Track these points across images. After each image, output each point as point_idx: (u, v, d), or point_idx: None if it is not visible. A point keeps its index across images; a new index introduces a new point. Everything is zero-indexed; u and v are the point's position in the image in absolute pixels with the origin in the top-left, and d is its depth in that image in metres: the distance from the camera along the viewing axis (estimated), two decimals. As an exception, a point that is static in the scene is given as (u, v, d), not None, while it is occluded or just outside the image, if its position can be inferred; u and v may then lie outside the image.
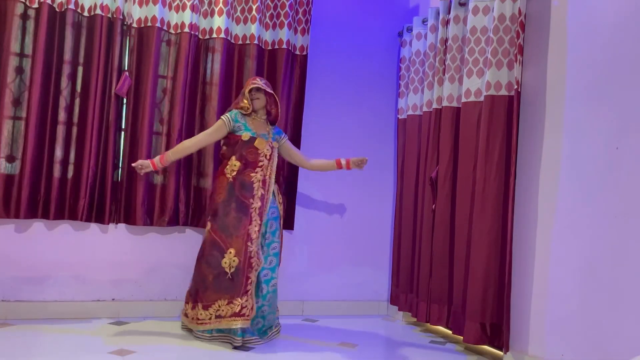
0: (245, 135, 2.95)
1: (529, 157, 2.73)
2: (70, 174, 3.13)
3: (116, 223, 3.26)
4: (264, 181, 2.96)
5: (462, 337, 2.91)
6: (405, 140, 3.68)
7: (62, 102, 3.11)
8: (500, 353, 2.80)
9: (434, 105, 3.30)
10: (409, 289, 3.51)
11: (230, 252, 2.83)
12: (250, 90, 2.99)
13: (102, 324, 3.07)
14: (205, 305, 2.84)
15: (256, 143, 2.96)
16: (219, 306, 2.81)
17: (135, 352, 2.56)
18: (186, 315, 2.97)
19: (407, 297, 3.53)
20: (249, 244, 2.84)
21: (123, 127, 3.27)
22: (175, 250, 3.41)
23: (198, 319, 2.86)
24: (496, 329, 2.78)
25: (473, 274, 2.82)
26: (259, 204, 2.92)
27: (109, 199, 3.18)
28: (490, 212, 2.79)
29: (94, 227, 3.24)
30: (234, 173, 2.94)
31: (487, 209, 2.79)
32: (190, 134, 3.37)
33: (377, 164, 3.92)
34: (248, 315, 2.77)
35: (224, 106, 3.42)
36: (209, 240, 2.91)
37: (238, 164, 2.94)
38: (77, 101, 3.15)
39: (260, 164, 2.96)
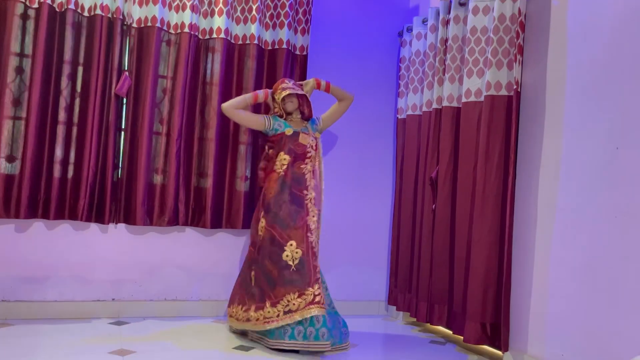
0: (289, 131, 3.04)
1: (529, 157, 2.73)
2: (70, 174, 3.13)
3: (116, 223, 3.27)
4: (314, 171, 3.03)
5: (462, 337, 2.91)
6: (404, 140, 3.68)
7: (62, 102, 3.11)
8: (501, 353, 2.80)
9: (434, 105, 3.30)
10: (408, 289, 3.51)
11: (291, 245, 2.81)
12: (283, 99, 3.07)
13: (102, 324, 3.07)
14: (273, 302, 2.76)
15: (300, 139, 3.03)
16: (289, 300, 2.72)
17: (135, 352, 2.56)
18: (249, 320, 2.85)
19: (405, 297, 3.53)
20: (309, 234, 2.85)
21: (123, 127, 3.27)
22: (175, 250, 3.41)
23: (265, 318, 2.75)
24: (496, 328, 2.78)
25: (473, 274, 2.82)
26: (313, 194, 2.97)
27: (109, 199, 3.18)
28: (491, 212, 2.79)
29: (94, 227, 3.24)
30: (285, 167, 2.99)
31: (487, 209, 2.79)
32: (190, 134, 3.37)
33: (376, 163, 3.92)
34: (322, 303, 2.70)
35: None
36: (266, 236, 2.88)
37: (287, 157, 2.99)
38: (77, 101, 3.15)
39: (309, 154, 3.04)
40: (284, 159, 3.00)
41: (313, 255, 2.81)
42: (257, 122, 3.09)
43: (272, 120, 3.07)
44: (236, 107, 3.06)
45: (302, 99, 3.13)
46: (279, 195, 2.93)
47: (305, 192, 2.96)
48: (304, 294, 2.71)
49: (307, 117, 3.18)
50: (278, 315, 2.72)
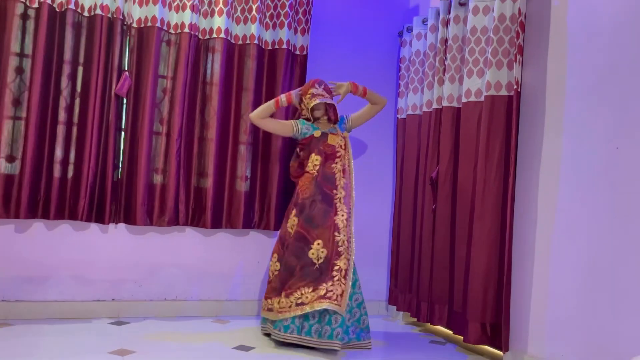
0: (317, 133, 3.10)
1: (529, 157, 2.73)
2: (70, 174, 3.13)
3: (116, 223, 3.27)
4: (344, 170, 3.06)
5: (462, 337, 2.91)
6: (404, 140, 3.68)
7: (62, 102, 3.11)
8: (501, 353, 2.80)
9: (434, 105, 3.30)
10: (408, 289, 3.51)
11: (318, 243, 2.86)
12: (312, 107, 3.10)
13: (102, 324, 3.07)
14: (287, 293, 2.83)
15: (329, 140, 3.09)
16: (302, 294, 2.79)
17: (135, 352, 2.56)
18: (271, 309, 2.93)
19: (405, 297, 3.53)
20: (336, 233, 2.88)
21: (123, 127, 3.27)
22: (175, 250, 3.41)
23: (280, 308, 2.84)
24: (496, 329, 2.78)
25: (473, 274, 2.82)
26: (343, 193, 3.00)
27: (109, 199, 3.18)
28: (491, 212, 2.79)
29: (94, 227, 3.24)
30: (317, 167, 3.04)
31: (487, 209, 2.79)
32: (190, 134, 3.37)
33: (376, 163, 3.92)
34: (336, 300, 2.73)
35: (224, 106, 3.43)
36: (295, 234, 2.94)
37: (319, 157, 3.05)
38: (77, 101, 3.15)
39: (338, 154, 3.08)
40: (315, 159, 3.06)
41: (336, 254, 2.84)
42: (286, 129, 3.15)
43: (300, 125, 3.12)
44: (262, 117, 3.13)
45: (330, 107, 3.15)
46: (313, 195, 2.99)
47: (334, 191, 2.99)
48: (317, 289, 2.77)
49: (333, 121, 3.19)
50: (290, 307, 2.79)
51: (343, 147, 3.12)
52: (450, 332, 3.15)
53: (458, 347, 3.07)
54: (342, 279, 2.80)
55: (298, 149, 3.19)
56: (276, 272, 3.01)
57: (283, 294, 2.85)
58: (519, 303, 2.71)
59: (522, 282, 2.70)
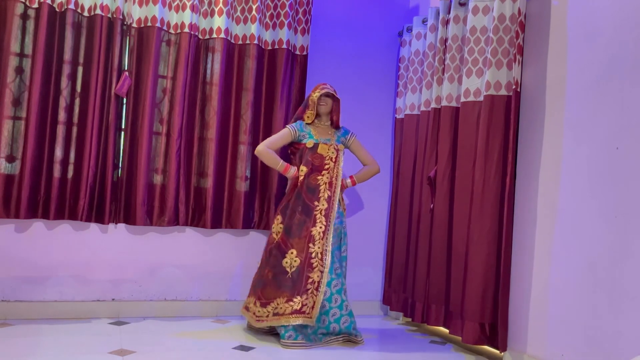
0: (310, 143, 3.13)
1: (529, 157, 2.73)
2: (70, 174, 3.13)
3: (116, 223, 3.27)
4: (330, 183, 3.08)
5: (460, 337, 2.91)
6: (402, 140, 3.68)
7: (62, 102, 3.12)
8: (500, 353, 2.80)
9: (433, 105, 3.30)
10: (402, 288, 3.52)
11: (292, 253, 2.94)
12: (320, 97, 3.14)
13: (102, 324, 3.07)
14: (263, 303, 2.92)
15: (319, 149, 3.12)
16: (277, 304, 2.87)
17: (135, 352, 2.56)
18: (247, 308, 3.06)
19: (399, 296, 3.54)
20: (311, 244, 2.93)
21: (123, 127, 3.27)
22: (175, 250, 3.41)
23: (256, 316, 2.94)
24: (495, 329, 2.78)
25: (472, 274, 2.82)
26: (325, 205, 3.03)
27: (109, 199, 3.18)
28: (490, 211, 2.79)
29: (94, 227, 3.24)
30: (301, 178, 3.09)
31: (486, 209, 2.79)
32: (190, 134, 3.37)
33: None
34: (309, 314, 2.81)
35: (224, 106, 3.43)
36: (276, 243, 3.03)
37: (305, 168, 3.10)
38: (77, 101, 3.15)
39: (327, 166, 3.11)
40: (302, 169, 3.12)
41: (309, 267, 2.89)
42: (285, 138, 3.17)
43: (298, 132, 3.16)
44: (270, 151, 3.12)
45: (337, 103, 3.19)
46: (294, 204, 3.06)
47: (316, 203, 3.03)
48: (291, 301, 2.84)
49: (335, 125, 3.23)
50: (267, 316, 2.89)
51: (334, 160, 3.13)
52: (447, 332, 3.15)
53: (456, 346, 3.07)
54: (315, 291, 2.85)
55: (289, 151, 3.28)
56: (255, 271, 3.14)
57: (259, 302, 2.94)
58: (519, 303, 2.71)
59: (522, 281, 2.70)
